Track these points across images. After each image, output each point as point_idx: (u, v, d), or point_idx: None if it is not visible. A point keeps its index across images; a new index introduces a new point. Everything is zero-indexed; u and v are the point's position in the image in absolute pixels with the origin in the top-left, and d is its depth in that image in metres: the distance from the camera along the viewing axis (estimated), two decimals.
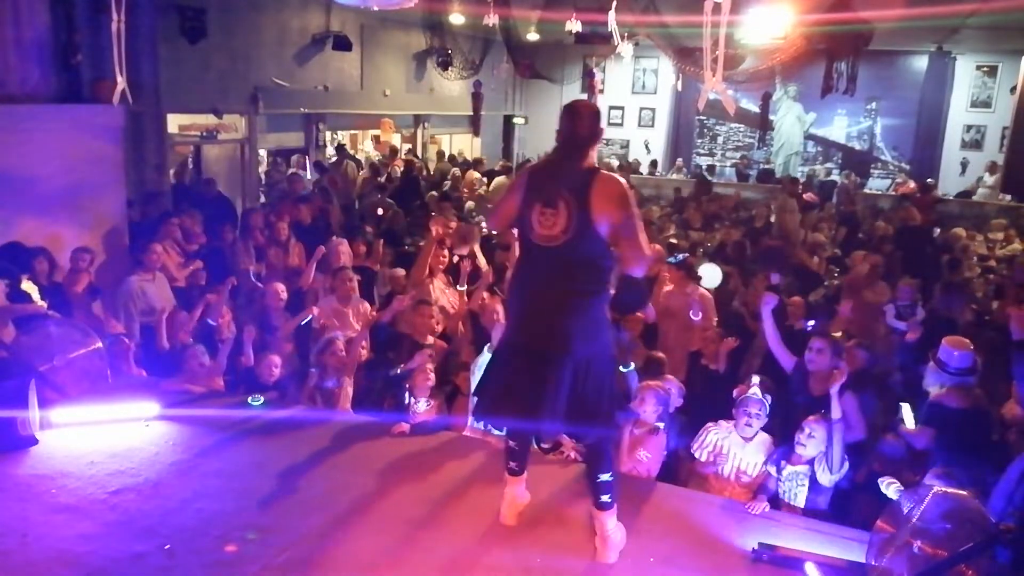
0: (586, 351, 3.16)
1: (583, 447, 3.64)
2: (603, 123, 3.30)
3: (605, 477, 3.30)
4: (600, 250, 3.14)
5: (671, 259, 6.59)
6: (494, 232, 7.15)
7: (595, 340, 3.20)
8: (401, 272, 7.02)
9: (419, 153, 15.60)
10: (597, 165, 3.23)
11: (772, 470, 3.99)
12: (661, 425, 4.10)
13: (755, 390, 4.09)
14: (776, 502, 3.91)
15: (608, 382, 3.30)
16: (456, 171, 13.86)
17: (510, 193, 3.33)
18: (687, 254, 7.03)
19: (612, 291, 3.27)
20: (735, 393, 4.25)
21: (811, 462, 3.87)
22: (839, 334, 5.57)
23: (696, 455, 4.19)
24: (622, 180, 3.20)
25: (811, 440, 3.84)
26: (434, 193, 11.91)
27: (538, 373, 3.14)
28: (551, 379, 3.12)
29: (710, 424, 4.24)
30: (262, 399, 4.76)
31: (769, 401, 4.14)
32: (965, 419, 4.12)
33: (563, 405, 3.13)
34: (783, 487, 3.95)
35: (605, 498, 3.31)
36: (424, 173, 13.93)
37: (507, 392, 3.25)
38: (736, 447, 4.09)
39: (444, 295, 6.16)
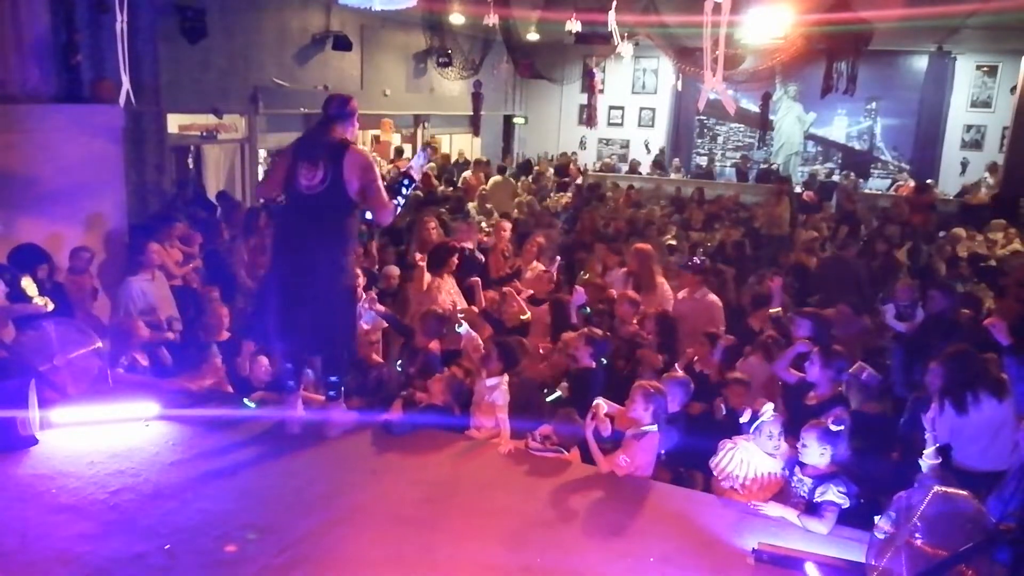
0: (333, 279, 4.20)
1: (326, 356, 4.58)
2: (354, 105, 4.31)
3: (334, 379, 4.47)
4: (345, 203, 4.16)
5: (686, 265, 6.58)
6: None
7: (339, 278, 4.24)
8: (396, 271, 7.01)
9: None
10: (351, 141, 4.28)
11: (786, 473, 3.95)
12: (654, 428, 4.07)
13: (769, 413, 4.03)
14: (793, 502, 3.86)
15: (348, 308, 4.43)
16: (467, 174, 13.85)
17: (280, 160, 4.37)
18: (706, 259, 6.99)
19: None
20: (747, 415, 4.18)
21: (817, 480, 3.77)
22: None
23: (716, 474, 4.08)
24: (367, 152, 4.36)
25: (805, 449, 3.81)
26: (419, 192, 11.88)
27: (299, 300, 4.17)
28: (309, 305, 4.16)
29: (727, 442, 4.09)
30: (254, 404, 4.77)
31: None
32: None
33: (316, 327, 4.21)
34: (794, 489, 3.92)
35: (332, 393, 4.48)
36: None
37: (278, 319, 4.22)
38: (760, 462, 4.03)
39: (452, 295, 6.15)
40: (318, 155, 4.15)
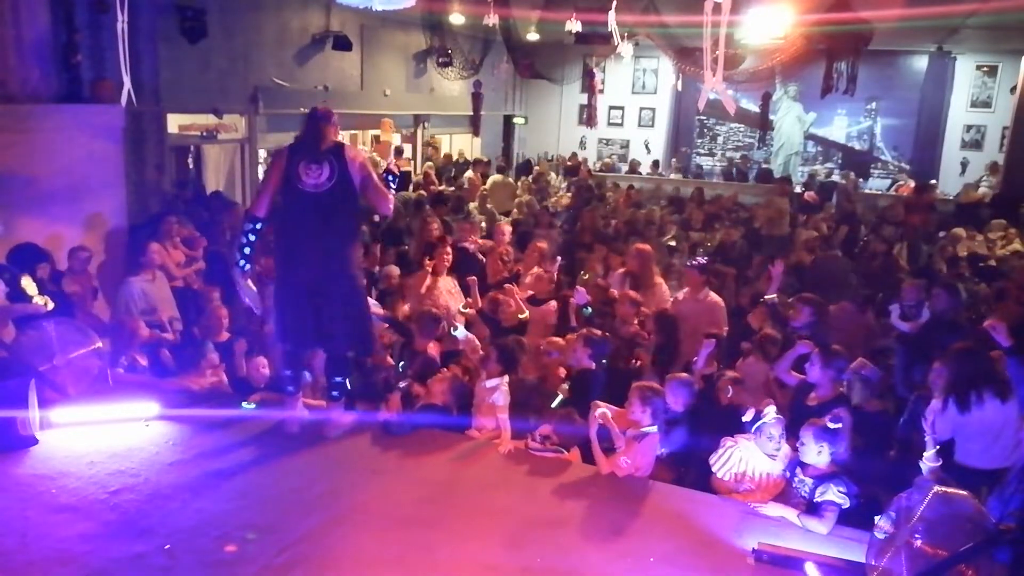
0: (346, 281, 4.29)
1: (334, 354, 4.58)
2: (335, 117, 4.45)
3: (338, 379, 4.52)
4: (353, 197, 4.27)
5: (690, 263, 6.57)
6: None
7: (352, 271, 4.35)
8: (396, 271, 7.01)
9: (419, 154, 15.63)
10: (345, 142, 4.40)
11: (787, 474, 3.95)
12: (653, 429, 4.07)
13: (770, 414, 4.02)
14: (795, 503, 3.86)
15: (366, 303, 4.59)
16: (470, 174, 13.83)
17: (272, 169, 4.39)
18: (707, 257, 6.99)
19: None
20: (749, 415, 4.18)
21: (818, 480, 3.77)
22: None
23: (715, 471, 4.08)
24: (360, 149, 4.34)
25: (803, 447, 3.81)
26: (422, 192, 11.86)
27: (313, 302, 4.25)
28: (324, 306, 4.25)
29: (727, 440, 4.10)
30: (254, 404, 4.76)
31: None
32: None
33: (335, 326, 4.29)
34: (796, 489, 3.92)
35: (335, 393, 4.52)
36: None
37: (291, 321, 4.33)
38: (759, 463, 4.02)
39: (451, 296, 6.14)
40: (321, 154, 4.23)
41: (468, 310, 5.96)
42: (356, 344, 4.54)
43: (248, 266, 4.38)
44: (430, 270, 6.25)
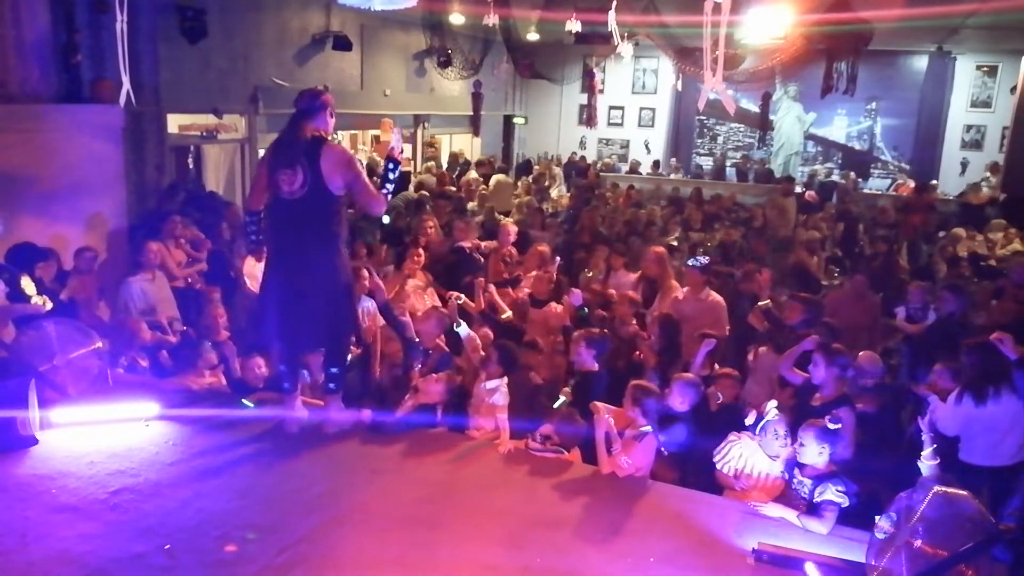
0: (329, 278, 4.19)
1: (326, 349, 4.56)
2: (326, 98, 4.22)
3: (334, 370, 4.44)
4: (329, 202, 4.10)
5: (692, 261, 6.57)
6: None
7: (332, 274, 4.21)
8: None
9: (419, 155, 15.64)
10: (326, 136, 4.19)
11: (786, 475, 3.95)
12: (648, 428, 4.07)
13: (773, 412, 4.02)
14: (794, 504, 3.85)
15: (347, 303, 4.41)
16: (473, 174, 13.80)
17: (260, 167, 4.32)
18: (707, 257, 7.00)
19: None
20: (751, 419, 4.18)
21: (816, 480, 3.77)
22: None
23: (718, 465, 4.10)
24: (344, 148, 4.33)
25: (803, 449, 3.81)
26: (425, 192, 11.85)
27: (296, 301, 4.15)
28: (307, 305, 4.16)
29: (732, 436, 4.12)
30: (252, 404, 4.76)
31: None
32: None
33: (317, 325, 4.22)
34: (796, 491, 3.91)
35: (332, 385, 4.44)
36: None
37: (273, 322, 4.27)
38: (759, 462, 4.02)
39: (418, 296, 6.13)
40: (294, 158, 4.07)
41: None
42: (326, 346, 4.50)
43: (258, 248, 4.51)
44: (406, 272, 6.24)
